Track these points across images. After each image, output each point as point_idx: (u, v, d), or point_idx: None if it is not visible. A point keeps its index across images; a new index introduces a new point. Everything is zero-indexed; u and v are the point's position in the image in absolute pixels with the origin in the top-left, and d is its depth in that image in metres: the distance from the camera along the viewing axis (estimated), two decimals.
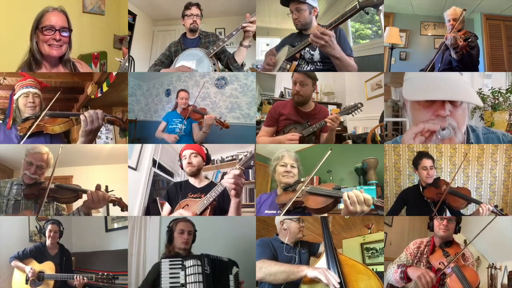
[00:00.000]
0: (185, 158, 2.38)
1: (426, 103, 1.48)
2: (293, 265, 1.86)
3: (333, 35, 2.29)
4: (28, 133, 2.12)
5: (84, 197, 2.25)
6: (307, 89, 2.63)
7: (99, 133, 3.86)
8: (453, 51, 2.93)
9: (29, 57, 2.25)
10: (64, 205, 2.43)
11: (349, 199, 1.72)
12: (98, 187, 2.25)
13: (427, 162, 2.55)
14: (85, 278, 2.38)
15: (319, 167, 2.03)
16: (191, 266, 2.09)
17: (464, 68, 2.99)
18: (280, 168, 2.22)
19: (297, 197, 1.99)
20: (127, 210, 2.34)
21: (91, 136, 2.09)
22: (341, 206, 1.99)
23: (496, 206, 2.43)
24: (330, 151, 2.05)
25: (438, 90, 1.44)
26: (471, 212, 2.76)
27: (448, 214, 2.65)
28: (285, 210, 1.96)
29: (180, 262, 2.11)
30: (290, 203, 1.97)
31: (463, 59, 2.94)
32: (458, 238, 2.42)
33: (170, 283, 2.06)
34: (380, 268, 2.82)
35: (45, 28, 2.18)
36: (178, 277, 2.07)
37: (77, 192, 2.28)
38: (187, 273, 2.07)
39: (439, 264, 2.17)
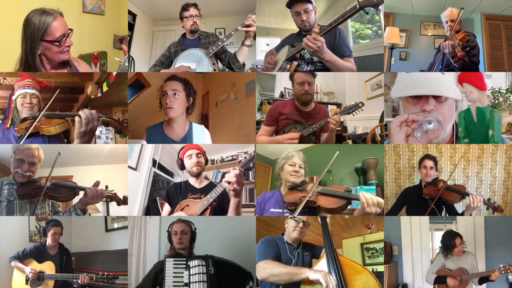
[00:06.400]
0: (190, 158, 2.39)
1: (413, 100, 1.62)
2: (295, 267, 1.90)
3: (324, 40, 2.38)
4: (27, 134, 2.09)
5: (81, 193, 2.24)
6: (313, 88, 2.69)
7: (99, 133, 3.90)
8: (452, 59, 2.91)
9: (23, 65, 2.18)
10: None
11: (366, 201, 1.84)
12: (96, 184, 2.24)
13: (428, 163, 2.69)
14: (88, 276, 2.39)
15: (328, 167, 2.10)
16: (195, 266, 2.10)
17: (466, 70, 2.98)
18: (289, 167, 2.25)
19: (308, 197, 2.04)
20: (124, 203, 2.34)
21: (86, 138, 2.04)
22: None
23: (489, 199, 2.53)
24: (338, 152, 2.11)
25: (419, 87, 1.59)
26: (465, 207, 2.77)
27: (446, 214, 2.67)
28: (299, 210, 2.00)
29: (184, 262, 2.12)
30: (303, 203, 2.01)
31: (464, 67, 2.94)
32: None
33: (174, 282, 2.08)
34: (380, 268, 2.82)
35: (57, 40, 2.10)
36: (182, 277, 2.09)
37: (74, 190, 2.27)
38: (191, 273, 2.08)
39: None
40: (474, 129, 1.50)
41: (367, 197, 1.86)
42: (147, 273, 2.24)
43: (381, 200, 1.86)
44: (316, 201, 2.03)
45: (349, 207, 2.05)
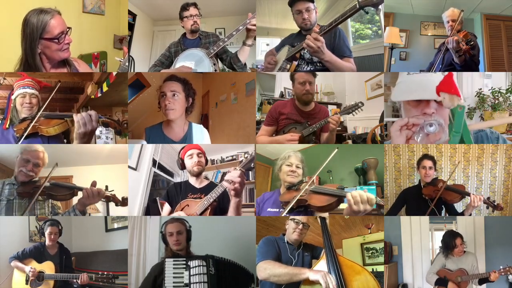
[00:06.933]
0: (191, 157, 2.39)
1: (414, 103, 1.61)
2: (296, 267, 1.90)
3: (324, 41, 2.37)
4: (25, 134, 2.09)
5: (80, 194, 2.24)
6: (313, 87, 2.70)
7: (99, 133, 3.90)
8: (456, 54, 2.92)
9: (23, 65, 2.18)
10: (59, 204, 2.42)
11: (352, 198, 1.77)
12: (93, 184, 2.24)
13: (427, 163, 2.68)
14: (88, 276, 2.39)
15: (324, 165, 2.07)
16: (195, 267, 2.09)
17: (467, 69, 2.99)
18: (286, 167, 2.25)
19: (300, 195, 2.03)
20: (122, 205, 2.33)
21: (86, 139, 2.04)
22: (342, 205, 2.02)
23: (488, 198, 2.52)
24: (336, 150, 2.08)
25: (420, 90, 1.57)
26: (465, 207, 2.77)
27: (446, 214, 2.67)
28: (288, 208, 1.99)
29: (184, 262, 2.11)
30: (294, 201, 2.00)
31: (466, 63, 2.94)
32: None
33: (174, 282, 2.07)
34: (380, 268, 2.82)
35: (56, 37, 2.11)
36: (182, 277, 2.07)
37: (73, 190, 2.27)
38: (191, 273, 2.07)
39: None
40: (450, 127, 1.54)
41: (355, 194, 1.76)
42: (145, 277, 2.22)
43: (371, 196, 1.76)
44: (307, 199, 2.03)
45: (342, 205, 2.03)
